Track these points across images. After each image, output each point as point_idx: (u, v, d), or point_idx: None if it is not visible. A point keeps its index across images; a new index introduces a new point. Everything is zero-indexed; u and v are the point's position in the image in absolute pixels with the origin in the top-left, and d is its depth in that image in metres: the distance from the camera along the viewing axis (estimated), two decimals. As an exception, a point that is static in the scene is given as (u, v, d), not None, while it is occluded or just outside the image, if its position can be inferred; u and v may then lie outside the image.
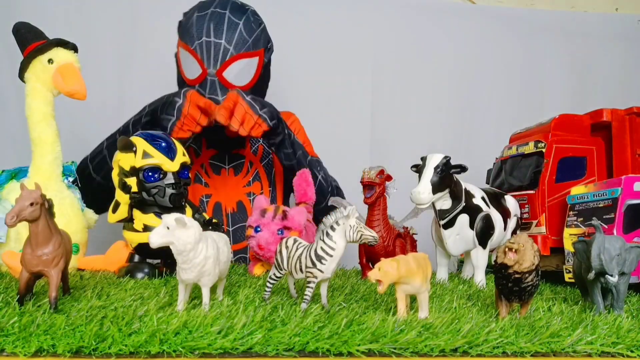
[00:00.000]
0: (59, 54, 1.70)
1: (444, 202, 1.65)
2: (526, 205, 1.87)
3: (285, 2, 2.84)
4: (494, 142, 2.46)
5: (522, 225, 1.87)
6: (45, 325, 0.94)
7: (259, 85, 2.00)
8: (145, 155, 1.54)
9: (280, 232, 1.68)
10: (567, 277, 1.65)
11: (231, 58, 1.87)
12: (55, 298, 1.07)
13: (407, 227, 1.84)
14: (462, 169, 1.62)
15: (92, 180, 1.90)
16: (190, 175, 1.65)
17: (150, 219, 1.56)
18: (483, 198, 1.73)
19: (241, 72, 1.91)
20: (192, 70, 1.89)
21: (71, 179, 1.78)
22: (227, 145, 2.03)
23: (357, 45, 2.85)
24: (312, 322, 1.01)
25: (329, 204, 2.12)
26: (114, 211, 1.61)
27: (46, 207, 1.11)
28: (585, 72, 3.04)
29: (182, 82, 1.98)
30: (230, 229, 2.04)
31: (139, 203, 1.57)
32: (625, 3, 3.17)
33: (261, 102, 1.88)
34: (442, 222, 1.68)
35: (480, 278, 1.68)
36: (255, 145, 2.10)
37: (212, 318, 0.99)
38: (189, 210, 1.64)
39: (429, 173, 1.60)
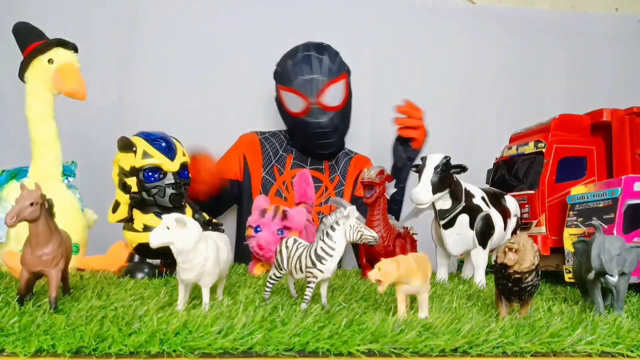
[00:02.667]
0: (59, 54, 1.70)
1: (444, 202, 1.65)
2: (526, 205, 1.87)
3: (284, 2, 2.84)
4: (494, 142, 2.46)
5: (522, 225, 1.87)
6: (45, 325, 0.94)
7: (349, 102, 2.41)
8: (145, 155, 1.54)
9: (280, 232, 1.68)
10: (567, 277, 1.65)
11: (324, 86, 2.29)
12: (55, 298, 1.07)
13: (407, 227, 1.84)
14: (462, 169, 1.62)
15: None
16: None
17: (150, 219, 1.56)
18: (483, 198, 1.73)
19: (335, 95, 2.31)
20: (296, 105, 2.31)
21: (71, 179, 1.78)
22: (312, 161, 2.45)
23: (357, 45, 2.85)
24: (312, 322, 1.01)
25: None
26: (114, 211, 1.61)
27: (46, 207, 1.11)
28: (585, 72, 3.04)
29: (288, 117, 2.38)
30: None
31: (139, 203, 1.57)
32: (625, 3, 3.17)
33: None
34: (442, 222, 1.68)
35: (480, 278, 1.68)
36: (332, 175, 2.46)
37: (212, 318, 0.99)
38: (189, 210, 1.64)
39: (428, 173, 1.60)
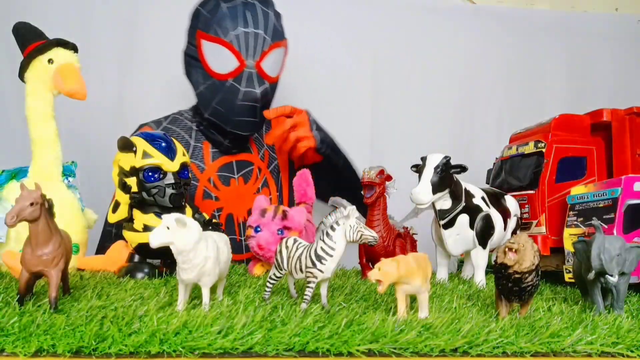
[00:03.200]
0: (59, 54, 1.70)
1: (444, 202, 1.65)
2: (526, 205, 1.87)
3: (284, 2, 2.84)
4: (494, 142, 2.46)
5: (522, 225, 1.87)
6: (45, 325, 0.94)
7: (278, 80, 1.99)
8: (145, 155, 1.54)
9: (280, 232, 1.68)
10: (567, 277, 1.65)
11: (269, 48, 1.85)
12: (55, 298, 1.07)
13: (407, 227, 1.84)
14: (462, 169, 1.62)
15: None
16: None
17: (150, 219, 1.56)
18: (483, 198, 1.73)
19: (275, 62, 1.89)
20: (225, 64, 1.84)
21: (71, 179, 1.78)
22: (233, 145, 2.01)
23: (357, 45, 2.85)
24: (312, 322, 1.01)
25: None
26: (114, 211, 1.61)
27: (46, 207, 1.11)
28: (585, 72, 3.03)
29: (205, 77, 1.90)
30: (243, 239, 1.99)
31: (139, 203, 1.57)
32: (625, 3, 3.16)
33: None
34: (442, 222, 1.68)
35: (480, 278, 1.68)
36: (261, 151, 2.08)
37: (212, 318, 0.99)
38: (189, 210, 1.64)
39: (428, 173, 1.60)
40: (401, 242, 1.73)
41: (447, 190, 1.63)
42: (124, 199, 1.58)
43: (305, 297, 1.16)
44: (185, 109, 2.11)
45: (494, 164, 2.14)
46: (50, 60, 1.69)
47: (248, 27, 1.81)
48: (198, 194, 1.94)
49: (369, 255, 1.72)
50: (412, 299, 1.23)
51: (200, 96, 1.95)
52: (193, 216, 1.61)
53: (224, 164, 2.00)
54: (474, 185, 1.77)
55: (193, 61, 1.94)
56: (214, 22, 1.84)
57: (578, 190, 1.73)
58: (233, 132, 1.91)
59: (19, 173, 1.74)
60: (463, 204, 1.67)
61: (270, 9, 1.91)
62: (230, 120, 1.90)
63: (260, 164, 2.06)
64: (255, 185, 1.99)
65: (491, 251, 1.77)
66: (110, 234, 1.97)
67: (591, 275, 1.25)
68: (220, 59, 1.84)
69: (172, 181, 1.55)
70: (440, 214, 1.67)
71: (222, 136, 1.96)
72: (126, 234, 1.61)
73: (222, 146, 1.98)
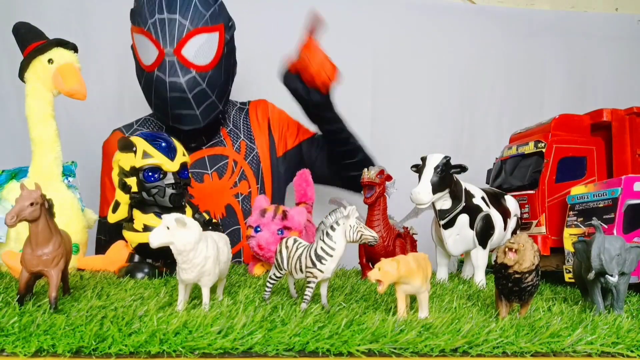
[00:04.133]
0: (59, 54, 1.70)
1: (444, 202, 1.65)
2: (526, 205, 1.87)
3: (284, 2, 2.84)
4: (494, 142, 2.47)
5: (522, 225, 1.87)
6: (45, 325, 0.94)
7: (224, 66, 1.86)
8: (145, 155, 1.54)
9: (280, 232, 1.68)
10: (567, 277, 1.65)
11: (188, 34, 1.74)
12: (55, 298, 1.07)
13: (407, 227, 1.84)
14: (462, 169, 1.62)
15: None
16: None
17: (150, 219, 1.56)
18: (483, 198, 1.73)
19: (201, 49, 1.78)
20: (148, 55, 1.76)
21: (71, 179, 1.78)
22: (196, 137, 1.88)
23: (357, 45, 2.85)
24: (312, 322, 1.01)
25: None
26: (114, 211, 1.61)
27: (46, 207, 1.11)
28: (585, 72, 3.04)
29: (140, 71, 1.83)
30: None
31: (139, 203, 1.57)
32: (625, 3, 3.16)
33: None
34: (442, 222, 1.68)
35: (480, 278, 1.68)
36: (236, 143, 2.00)
37: (212, 318, 0.99)
38: (189, 210, 1.64)
39: (428, 173, 1.60)
40: (401, 242, 1.73)
41: (447, 190, 1.63)
42: (124, 199, 1.58)
43: (305, 297, 1.16)
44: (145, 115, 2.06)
45: (494, 164, 2.14)
46: (50, 60, 1.68)
47: (163, 13, 1.72)
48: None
49: (369, 255, 1.72)
50: (412, 299, 1.23)
51: (143, 90, 1.87)
52: (193, 216, 1.61)
53: (196, 160, 1.91)
54: (474, 185, 1.77)
55: (133, 56, 1.88)
56: (137, 12, 1.79)
57: (578, 190, 1.73)
58: (175, 127, 1.81)
59: (19, 173, 1.74)
60: (463, 204, 1.67)
61: None
62: (169, 113, 1.81)
63: (236, 157, 1.98)
64: (231, 179, 1.91)
65: (491, 251, 1.77)
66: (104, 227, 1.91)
67: (591, 275, 1.25)
68: (145, 50, 1.77)
69: (172, 181, 1.55)
70: (440, 214, 1.67)
71: (174, 133, 1.80)
72: (126, 234, 1.61)
73: (191, 140, 1.87)
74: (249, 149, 2.01)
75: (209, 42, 1.78)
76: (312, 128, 2.09)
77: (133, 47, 1.85)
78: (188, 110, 1.77)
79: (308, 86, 1.80)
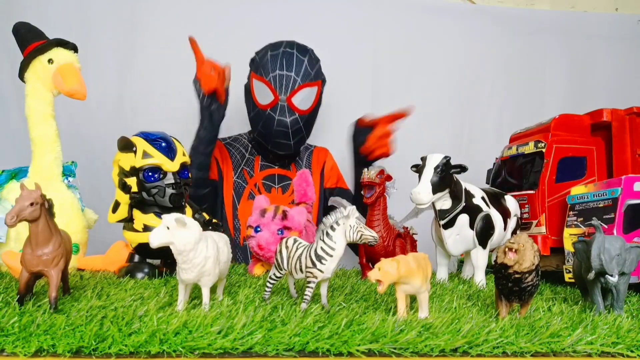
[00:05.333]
0: (59, 54, 1.70)
1: (444, 202, 1.65)
2: (526, 205, 1.87)
3: (284, 2, 2.84)
4: (494, 142, 2.46)
5: (522, 225, 1.87)
6: (45, 325, 0.94)
7: (316, 110, 2.38)
8: (145, 155, 1.54)
9: (280, 232, 1.68)
10: (567, 277, 1.65)
11: (298, 87, 2.27)
12: (55, 298, 1.07)
13: (407, 227, 1.84)
14: (462, 169, 1.62)
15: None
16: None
17: (150, 219, 1.56)
18: (483, 198, 1.73)
19: (304, 99, 2.28)
20: (265, 97, 2.27)
21: (71, 179, 1.78)
22: (277, 161, 2.42)
23: (357, 45, 2.85)
24: (312, 322, 1.01)
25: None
26: (114, 211, 1.61)
27: (46, 207, 1.11)
28: (585, 72, 3.04)
29: (253, 106, 2.32)
30: None
31: (139, 203, 1.57)
32: (625, 3, 3.17)
33: None
34: (442, 222, 1.68)
35: (480, 278, 1.68)
36: (299, 170, 2.37)
37: (212, 318, 0.99)
38: (189, 210, 1.64)
39: (428, 173, 1.60)
40: (401, 242, 1.73)
41: (447, 190, 1.63)
42: (124, 199, 1.58)
43: (305, 297, 1.16)
44: (244, 132, 2.51)
45: (494, 164, 2.14)
46: (50, 60, 1.68)
47: (283, 70, 2.27)
48: (245, 194, 2.34)
49: (369, 255, 1.72)
50: (412, 299, 1.23)
51: (251, 121, 2.39)
52: (193, 216, 1.61)
53: (268, 175, 2.39)
54: (474, 185, 1.77)
55: (247, 94, 2.39)
56: (261, 64, 2.32)
57: (578, 190, 1.73)
58: (272, 151, 2.36)
59: (19, 173, 1.74)
60: (463, 204, 1.67)
61: (306, 56, 2.32)
62: (270, 141, 2.32)
63: None
64: (291, 197, 2.29)
65: (491, 251, 1.77)
66: None
67: (591, 275, 1.25)
68: (263, 94, 2.28)
69: (172, 181, 1.55)
70: (440, 214, 1.67)
71: (267, 152, 2.40)
72: (126, 234, 1.61)
73: (268, 159, 2.41)
74: None
75: (310, 94, 2.31)
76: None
77: (250, 87, 2.34)
78: (285, 140, 2.29)
79: (364, 152, 2.26)
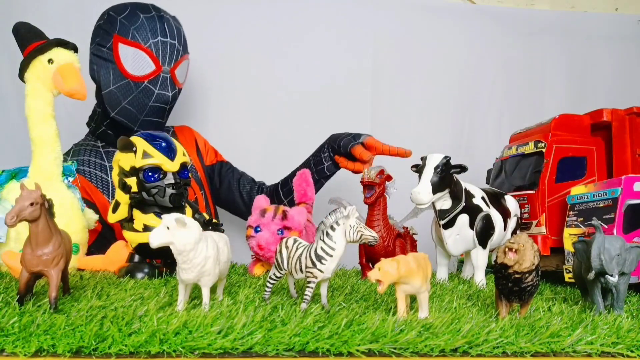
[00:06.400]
0: (59, 54, 1.70)
1: (444, 202, 1.65)
2: (526, 205, 1.87)
3: (284, 2, 2.84)
4: (494, 142, 2.46)
5: (522, 225, 1.87)
6: (45, 325, 0.94)
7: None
8: (145, 155, 1.53)
9: (280, 232, 1.68)
10: (567, 277, 1.65)
11: (182, 57, 2.09)
12: (55, 298, 1.07)
13: (407, 227, 1.84)
14: (462, 169, 1.62)
15: None
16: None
17: (150, 219, 1.56)
18: (483, 198, 1.73)
19: (182, 71, 2.13)
20: (141, 67, 2.01)
21: (71, 179, 1.78)
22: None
23: (357, 45, 2.85)
24: (312, 322, 1.01)
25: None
26: (114, 211, 1.61)
27: (46, 207, 1.11)
28: (585, 72, 3.04)
29: (119, 78, 2.03)
30: None
31: (139, 203, 1.57)
32: (625, 3, 3.16)
33: None
34: (442, 222, 1.68)
35: (480, 278, 1.68)
36: None
37: (212, 318, 0.99)
38: (189, 210, 1.64)
39: (428, 173, 1.60)
40: (401, 242, 1.73)
41: (447, 190, 1.63)
42: (124, 199, 1.58)
43: (305, 297, 1.16)
44: (80, 139, 2.20)
45: (494, 164, 2.14)
46: (50, 60, 1.68)
47: (167, 38, 2.03)
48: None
49: (369, 255, 1.72)
50: (412, 299, 1.23)
51: (110, 95, 2.06)
52: (193, 216, 1.61)
53: None
54: (474, 185, 1.77)
55: (102, 62, 2.06)
56: (132, 28, 2.02)
57: (578, 190, 1.73)
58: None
59: (19, 173, 1.74)
60: (463, 204, 1.67)
61: (180, 25, 2.13)
62: (138, 119, 2.05)
63: None
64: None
65: (491, 251, 1.77)
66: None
67: (591, 275, 1.25)
68: (137, 63, 2.01)
69: (172, 181, 1.55)
70: (440, 214, 1.67)
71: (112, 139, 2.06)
72: (126, 234, 1.61)
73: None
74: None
75: (186, 66, 2.16)
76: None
77: (114, 54, 2.04)
78: (159, 118, 2.08)
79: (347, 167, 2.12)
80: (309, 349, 0.94)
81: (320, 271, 1.17)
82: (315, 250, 1.18)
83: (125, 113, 2.06)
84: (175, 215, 1.10)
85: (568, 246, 1.67)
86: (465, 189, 1.70)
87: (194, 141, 2.31)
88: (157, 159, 1.54)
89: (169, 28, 2.05)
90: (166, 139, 1.59)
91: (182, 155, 1.60)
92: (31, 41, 1.71)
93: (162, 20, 2.06)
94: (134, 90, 2.01)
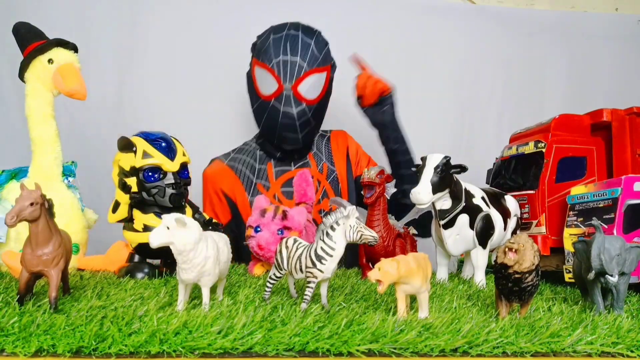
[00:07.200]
0: (59, 54, 1.70)
1: (444, 202, 1.65)
2: (526, 205, 1.87)
3: (284, 2, 2.84)
4: (494, 142, 2.46)
5: (522, 225, 1.87)
6: (45, 325, 0.94)
7: (326, 98, 2.20)
8: (145, 155, 1.54)
9: (280, 232, 1.68)
10: (567, 277, 1.65)
11: (305, 74, 2.08)
12: (55, 298, 1.07)
13: (407, 227, 1.84)
14: (462, 169, 1.62)
15: None
16: None
17: (150, 219, 1.56)
18: (483, 198, 1.73)
19: (312, 86, 2.11)
20: (268, 87, 2.09)
21: (71, 179, 1.78)
22: (290, 159, 2.24)
23: (357, 45, 2.84)
24: (312, 322, 1.01)
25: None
26: (114, 211, 1.61)
27: (46, 207, 1.11)
28: (585, 72, 3.04)
29: (256, 98, 2.15)
30: None
31: (139, 203, 1.57)
32: (625, 3, 3.16)
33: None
34: (442, 222, 1.68)
35: (480, 278, 1.68)
36: (320, 164, 2.25)
37: (212, 318, 0.99)
38: (189, 210, 1.64)
39: (428, 173, 1.60)
40: (401, 242, 1.73)
41: (447, 190, 1.63)
42: (124, 199, 1.58)
43: (305, 297, 1.16)
44: (249, 139, 2.33)
45: (494, 164, 2.14)
46: (50, 60, 1.69)
47: (287, 55, 2.07)
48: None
49: (369, 255, 1.72)
50: (412, 299, 1.23)
51: (254, 113, 2.21)
52: (193, 216, 1.61)
53: (286, 180, 2.19)
54: (474, 185, 1.77)
55: (249, 83, 2.21)
56: (262, 49, 2.12)
57: (578, 190, 1.73)
58: (279, 146, 2.17)
59: (19, 173, 1.74)
60: (463, 204, 1.67)
61: (312, 38, 2.14)
62: (275, 135, 2.14)
63: (319, 177, 2.23)
64: (316, 197, 2.12)
65: (491, 251, 1.77)
66: None
67: (591, 275, 1.25)
68: (265, 82, 2.10)
69: (172, 181, 1.55)
70: (440, 214, 1.67)
71: (275, 149, 2.20)
72: (126, 234, 1.61)
73: (281, 160, 2.21)
74: (330, 170, 2.27)
75: (319, 80, 2.13)
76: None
77: (252, 75, 2.16)
78: (292, 133, 2.11)
79: (366, 106, 2.18)
80: (309, 349, 0.94)
81: (320, 271, 1.17)
82: (315, 250, 1.18)
83: (265, 129, 2.17)
84: (175, 215, 1.10)
85: (568, 246, 1.67)
86: (465, 189, 1.70)
87: (345, 148, 2.31)
88: (157, 159, 1.54)
89: (292, 45, 2.09)
90: (166, 139, 1.59)
91: (182, 155, 1.60)
92: (31, 41, 1.71)
93: (288, 38, 2.11)
94: (266, 109, 2.10)
